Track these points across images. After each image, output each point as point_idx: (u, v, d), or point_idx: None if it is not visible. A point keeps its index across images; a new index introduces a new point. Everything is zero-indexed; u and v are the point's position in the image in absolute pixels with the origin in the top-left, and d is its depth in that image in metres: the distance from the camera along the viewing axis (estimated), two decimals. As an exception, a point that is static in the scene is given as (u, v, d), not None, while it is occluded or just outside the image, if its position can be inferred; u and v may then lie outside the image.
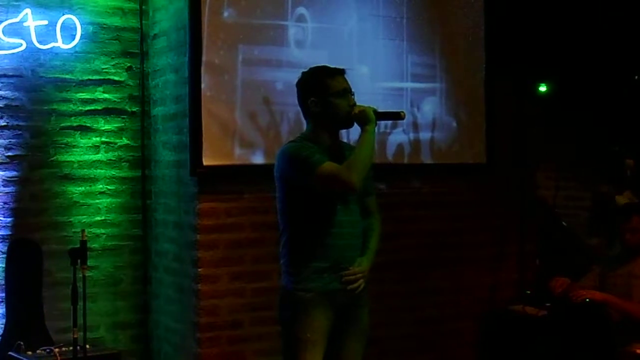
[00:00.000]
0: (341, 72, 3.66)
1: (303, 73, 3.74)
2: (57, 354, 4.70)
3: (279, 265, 3.68)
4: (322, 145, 3.60)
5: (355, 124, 3.62)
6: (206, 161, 4.83)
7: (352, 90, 3.64)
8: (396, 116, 3.72)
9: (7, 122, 5.09)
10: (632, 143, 5.81)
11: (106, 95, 5.34)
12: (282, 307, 3.66)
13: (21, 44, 5.04)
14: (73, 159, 5.25)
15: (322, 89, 3.60)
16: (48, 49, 5.13)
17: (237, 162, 4.93)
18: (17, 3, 5.06)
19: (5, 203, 5.08)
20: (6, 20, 5.01)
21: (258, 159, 4.97)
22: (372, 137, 3.56)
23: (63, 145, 5.22)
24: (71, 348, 4.55)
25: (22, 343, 4.78)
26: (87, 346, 4.63)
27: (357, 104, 3.61)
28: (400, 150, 5.45)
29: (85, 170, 5.28)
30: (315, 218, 3.56)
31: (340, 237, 3.57)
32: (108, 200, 5.34)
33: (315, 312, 3.54)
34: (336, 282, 3.56)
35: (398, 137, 5.44)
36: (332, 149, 3.62)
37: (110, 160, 5.35)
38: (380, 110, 3.64)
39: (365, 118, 3.55)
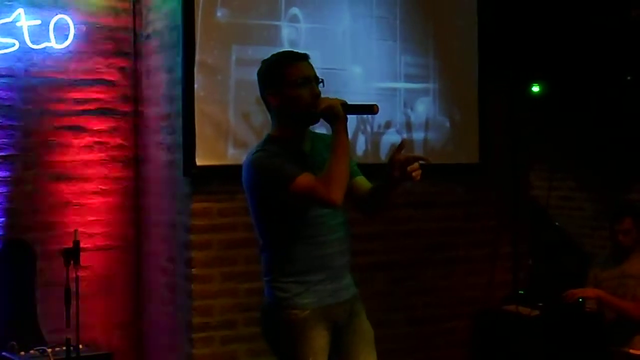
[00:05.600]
0: (302, 57, 3.22)
1: (262, 62, 3.30)
2: (50, 354, 4.69)
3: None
4: (291, 145, 3.22)
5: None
6: (199, 161, 4.83)
7: (319, 78, 3.21)
8: (368, 110, 3.17)
9: (0, 122, 5.08)
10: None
11: (99, 95, 5.33)
12: (272, 328, 3.30)
13: (14, 44, 5.03)
14: (66, 159, 5.24)
15: (279, 79, 3.17)
16: (41, 48, 5.12)
17: (230, 162, 4.92)
18: (10, 3, 5.05)
19: (-2, 203, 5.08)
20: (-1, 20, 5.02)
21: (251, 159, 4.96)
22: (345, 138, 3.10)
23: (56, 145, 5.22)
24: (64, 348, 4.55)
25: (15, 343, 4.78)
26: (80, 346, 4.64)
27: (324, 96, 3.18)
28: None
29: (78, 170, 5.27)
30: (300, 229, 3.19)
31: (330, 245, 3.24)
32: (101, 200, 5.33)
33: (313, 332, 3.20)
34: (330, 297, 3.25)
35: (391, 137, 5.44)
36: (302, 148, 3.25)
37: (103, 160, 5.34)
38: (350, 103, 3.18)
39: (332, 115, 3.10)
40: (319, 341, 3.22)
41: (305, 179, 3.07)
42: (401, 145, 3.14)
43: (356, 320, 3.35)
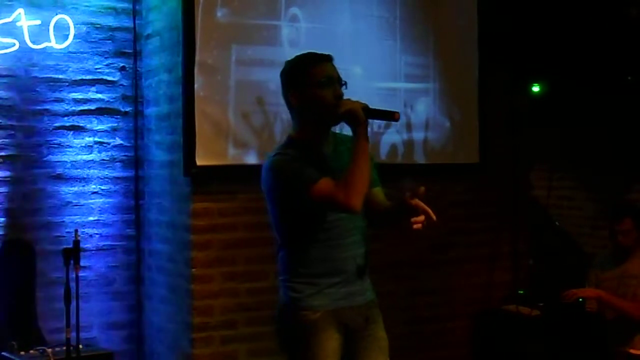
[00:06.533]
0: (326, 58, 3.22)
1: (286, 62, 3.30)
2: (50, 354, 4.69)
3: (273, 266, 3.54)
4: (312, 147, 3.18)
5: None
6: (199, 161, 4.83)
7: (343, 80, 3.19)
8: (389, 116, 3.17)
9: (0, 122, 5.08)
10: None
11: (99, 95, 5.33)
12: (284, 329, 3.27)
13: (14, 44, 5.03)
14: (66, 159, 5.24)
15: (302, 79, 3.15)
16: (41, 48, 5.11)
17: (230, 162, 4.93)
18: (10, 3, 5.05)
19: (-2, 203, 5.08)
20: (-1, 20, 5.02)
21: (251, 159, 4.96)
22: (366, 142, 3.07)
23: (56, 145, 5.21)
24: (64, 348, 4.54)
25: (15, 343, 4.77)
26: (80, 346, 4.63)
27: (346, 98, 3.16)
28: (393, 150, 5.46)
29: (78, 170, 5.27)
30: (316, 231, 3.16)
31: (345, 249, 3.20)
32: (101, 200, 5.33)
33: (325, 334, 3.17)
34: (343, 300, 3.21)
35: (392, 137, 5.45)
36: (324, 151, 3.21)
37: (103, 160, 5.34)
38: (372, 107, 3.16)
39: (354, 119, 3.08)
40: (331, 343, 3.18)
41: (324, 185, 3.04)
42: (417, 191, 3.03)
43: (372, 327, 3.30)
